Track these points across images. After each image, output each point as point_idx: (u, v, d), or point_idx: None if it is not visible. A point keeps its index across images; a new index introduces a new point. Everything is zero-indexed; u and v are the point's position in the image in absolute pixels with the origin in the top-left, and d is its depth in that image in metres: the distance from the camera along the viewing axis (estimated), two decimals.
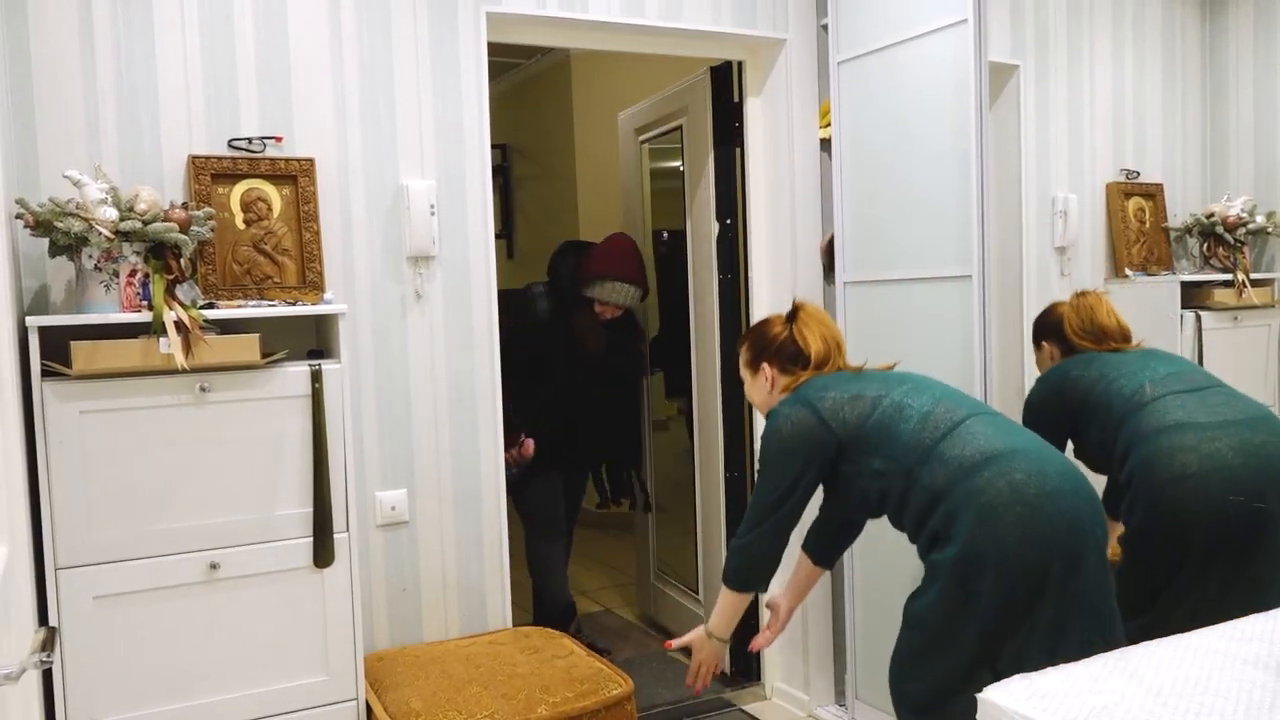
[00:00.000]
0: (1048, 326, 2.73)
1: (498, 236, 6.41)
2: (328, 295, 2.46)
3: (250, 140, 2.47)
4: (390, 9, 2.61)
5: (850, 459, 2.07)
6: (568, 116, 5.63)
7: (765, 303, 3.29)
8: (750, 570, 2.18)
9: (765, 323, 2.33)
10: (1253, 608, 1.68)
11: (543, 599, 3.70)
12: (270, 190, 2.47)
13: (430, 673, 2.43)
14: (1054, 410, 2.52)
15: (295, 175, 2.49)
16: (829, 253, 3.11)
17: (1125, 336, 2.60)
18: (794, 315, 2.29)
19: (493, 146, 6.46)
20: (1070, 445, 2.55)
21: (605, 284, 3.47)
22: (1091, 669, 1.29)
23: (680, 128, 3.71)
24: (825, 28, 3.09)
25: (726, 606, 2.25)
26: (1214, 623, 1.50)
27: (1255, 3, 3.72)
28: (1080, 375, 2.50)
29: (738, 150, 3.34)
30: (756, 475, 2.19)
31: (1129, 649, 1.36)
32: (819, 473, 2.10)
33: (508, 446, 3.04)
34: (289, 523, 2.28)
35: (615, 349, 3.64)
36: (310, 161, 2.50)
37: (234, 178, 2.45)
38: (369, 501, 2.64)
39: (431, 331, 2.70)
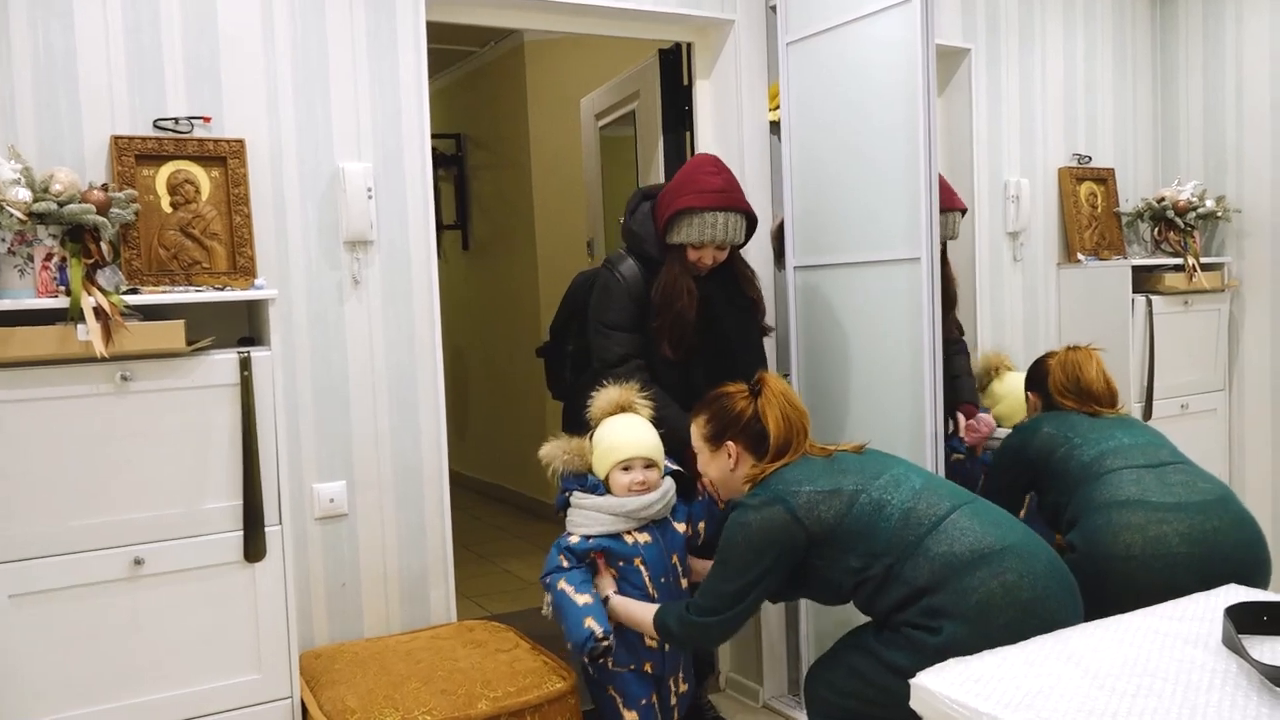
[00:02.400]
0: (1035, 377, 2.75)
1: (453, 227, 6.40)
2: (259, 281, 2.38)
3: (177, 120, 2.38)
4: None
5: (822, 555, 2.03)
6: (523, 105, 5.56)
7: None
8: (698, 643, 2.25)
9: (727, 396, 2.24)
10: None
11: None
12: (198, 172, 2.39)
13: (369, 669, 2.36)
14: (1017, 464, 2.57)
15: (225, 157, 2.41)
16: (779, 237, 3.06)
17: (1110, 399, 2.60)
18: (758, 390, 2.22)
19: (447, 136, 6.49)
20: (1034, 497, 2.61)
21: (694, 219, 2.55)
22: (1028, 652, 1.25)
23: (633, 113, 3.65)
24: (774, 9, 3.04)
25: (641, 623, 2.26)
26: None
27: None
28: (1048, 433, 2.51)
29: (688, 134, 3.29)
30: (716, 560, 2.12)
31: (1067, 630, 1.33)
32: (786, 568, 2.06)
33: None
34: (218, 516, 2.20)
35: (724, 305, 2.72)
36: (240, 143, 2.41)
37: (160, 159, 2.36)
38: (306, 494, 2.56)
39: (370, 319, 2.63)
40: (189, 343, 2.16)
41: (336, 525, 2.61)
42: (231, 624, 2.22)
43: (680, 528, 2.44)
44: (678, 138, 3.32)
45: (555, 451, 2.42)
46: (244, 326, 2.43)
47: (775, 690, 3.15)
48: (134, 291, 2.19)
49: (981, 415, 3.03)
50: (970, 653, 1.67)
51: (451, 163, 6.33)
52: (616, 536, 2.34)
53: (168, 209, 2.35)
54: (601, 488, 2.38)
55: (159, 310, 2.19)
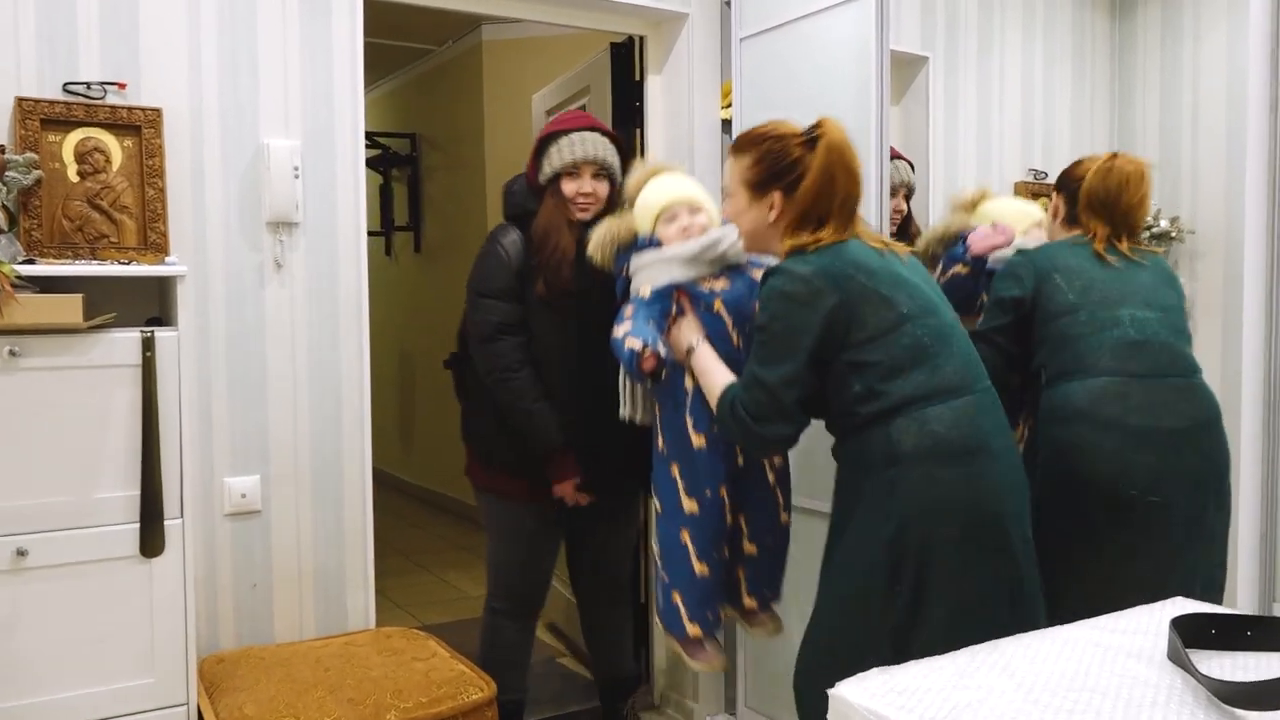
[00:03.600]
0: (1069, 179, 2.38)
1: (405, 228, 6.26)
2: (170, 258, 2.24)
3: (89, 85, 2.24)
4: None
5: (833, 364, 1.81)
6: (479, 105, 5.44)
7: None
8: (743, 442, 1.97)
9: (781, 138, 1.91)
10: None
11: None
12: (110, 141, 2.24)
13: (274, 676, 2.21)
14: (1014, 301, 2.23)
15: (139, 126, 2.26)
16: None
17: (1135, 227, 2.26)
18: (814, 139, 1.87)
19: (402, 136, 6.36)
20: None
21: (560, 141, 2.44)
22: (959, 662, 1.15)
23: (584, 108, 3.54)
24: (729, 3, 2.96)
25: (714, 386, 1.97)
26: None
27: (1163, 6, 3.70)
28: (1062, 287, 2.18)
29: (638, 131, 3.19)
30: (755, 343, 1.87)
31: (1003, 640, 1.23)
32: (820, 354, 1.80)
33: (558, 478, 2.45)
34: (112, 507, 2.05)
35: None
36: (157, 112, 2.28)
37: (68, 125, 2.21)
38: (216, 488, 2.41)
39: (293, 304, 2.49)
40: (88, 319, 2.02)
41: (248, 522, 2.46)
42: (124, 624, 2.07)
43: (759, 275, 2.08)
44: (628, 134, 3.21)
45: (603, 236, 2.22)
46: (155, 307, 2.29)
47: (711, 709, 3.03)
48: (30, 263, 2.04)
49: (1000, 224, 2.57)
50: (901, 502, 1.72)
51: (406, 163, 6.20)
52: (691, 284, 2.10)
53: (74, 178, 2.21)
54: (655, 241, 2.16)
55: (58, 284, 2.05)
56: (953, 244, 2.59)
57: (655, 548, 2.17)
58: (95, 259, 2.17)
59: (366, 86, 6.88)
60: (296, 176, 2.45)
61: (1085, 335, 2.13)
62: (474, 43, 5.46)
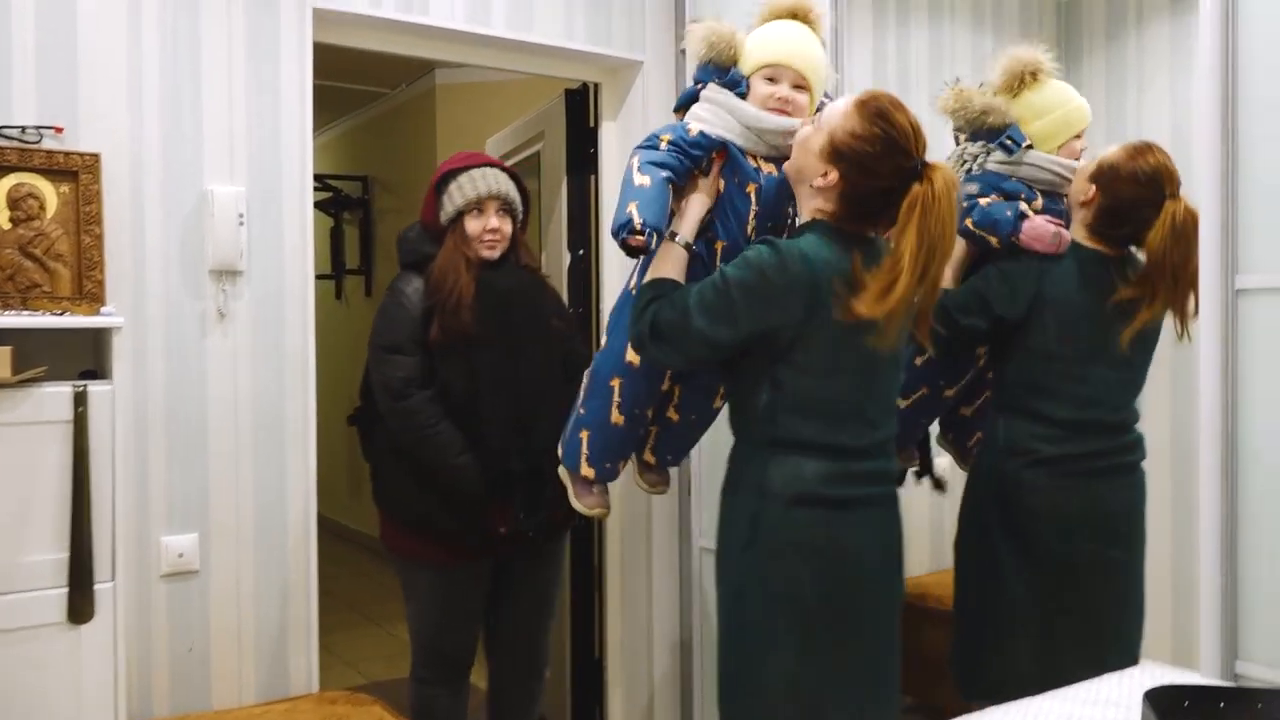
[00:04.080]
0: (1121, 183, 2.08)
1: (356, 271, 6.17)
2: (107, 308, 2.15)
3: (24, 129, 2.16)
4: None
5: (768, 361, 1.73)
6: (432, 148, 5.40)
7: None
8: (645, 342, 1.80)
9: (895, 146, 1.68)
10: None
11: None
12: (45, 187, 2.16)
13: None
14: (997, 318, 2.07)
15: (77, 171, 2.18)
16: None
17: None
18: (921, 171, 1.68)
19: (354, 178, 6.30)
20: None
21: (460, 178, 2.34)
22: None
23: (538, 154, 3.52)
24: (684, 52, 2.95)
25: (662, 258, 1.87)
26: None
27: (1107, 58, 3.77)
28: (1049, 327, 2.05)
29: (592, 177, 3.16)
30: (721, 272, 1.74)
31: (973, 715, 1.19)
32: (754, 342, 1.72)
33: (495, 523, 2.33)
34: (40, 571, 1.95)
35: (522, 308, 2.37)
36: (95, 157, 2.20)
37: (1, 170, 2.13)
38: (152, 547, 2.30)
39: (236, 355, 2.40)
40: (16, 373, 1.92)
41: (185, 583, 2.35)
42: (50, 693, 1.95)
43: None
44: (582, 181, 3.19)
45: (703, 32, 1.96)
46: (90, 359, 2.19)
47: None
48: None
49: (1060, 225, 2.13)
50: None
51: (357, 206, 6.13)
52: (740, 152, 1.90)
53: (6, 225, 2.11)
54: (744, 85, 1.92)
55: None
56: (990, 134, 2.15)
57: (584, 378, 2.09)
58: (26, 309, 2.08)
59: (318, 128, 6.83)
60: (241, 223, 2.38)
61: (1050, 385, 2.11)
62: (428, 86, 5.43)
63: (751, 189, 1.88)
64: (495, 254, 2.34)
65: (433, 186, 2.37)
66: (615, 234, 1.81)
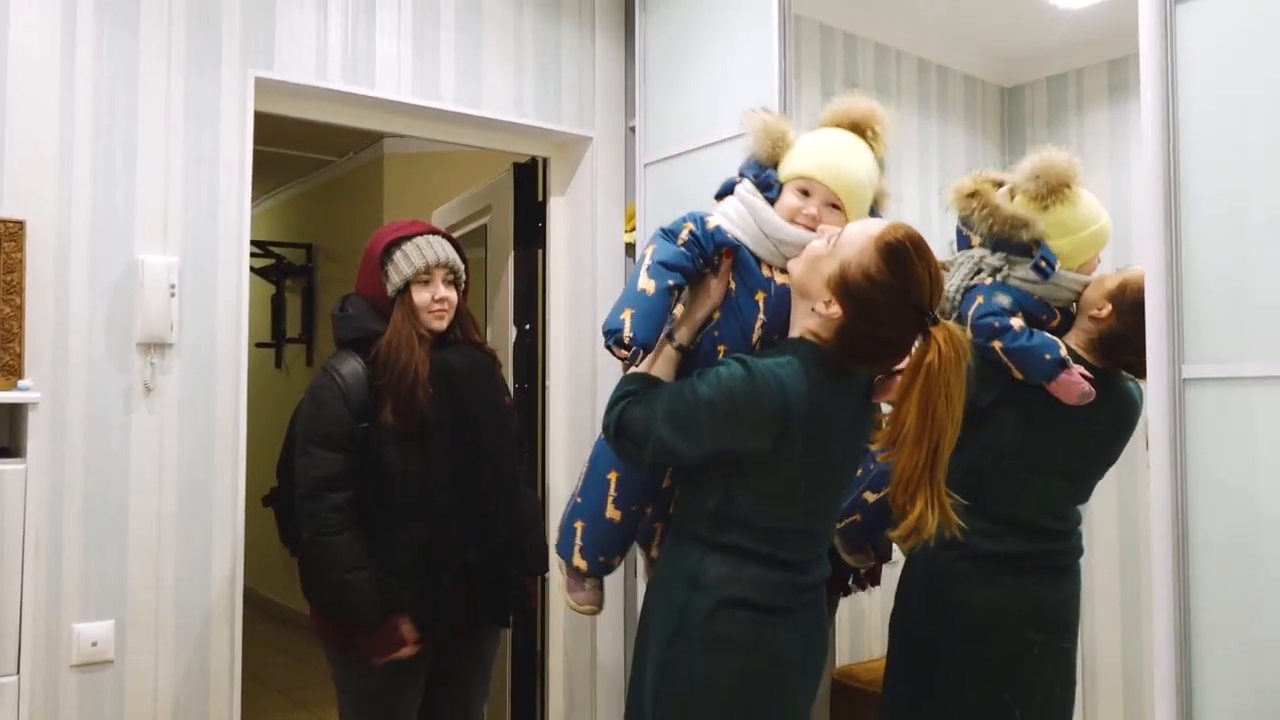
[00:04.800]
0: (1135, 307, 1.93)
1: (297, 340, 6.06)
2: (25, 381, 2.06)
3: None
4: (139, 60, 2.30)
5: (734, 476, 1.67)
6: (378, 218, 5.35)
7: (563, 417, 3.05)
8: (612, 438, 1.74)
9: (907, 300, 1.59)
10: None
11: None
12: None
13: None
14: (980, 382, 1.94)
15: None
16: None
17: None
18: (929, 330, 1.59)
19: (298, 246, 6.21)
20: None
21: (406, 246, 2.25)
22: None
23: (485, 227, 3.49)
24: (633, 129, 2.96)
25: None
26: None
27: (1049, 140, 3.86)
28: (1013, 424, 1.99)
29: (540, 251, 3.14)
30: (692, 380, 1.67)
31: None
32: (715, 459, 1.66)
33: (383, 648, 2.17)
34: None
35: (471, 374, 2.29)
36: (20, 224, 2.12)
37: None
38: (64, 637, 2.18)
39: (162, 431, 2.31)
40: None
41: (99, 674, 2.22)
42: None
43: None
44: (529, 255, 3.16)
45: (758, 124, 1.85)
46: (4, 435, 2.09)
47: None
48: None
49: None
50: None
51: (300, 273, 6.04)
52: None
53: None
54: (775, 191, 1.82)
55: None
56: (1016, 247, 2.01)
57: (582, 478, 1.96)
58: None
59: (262, 194, 6.77)
60: (173, 294, 2.30)
61: (995, 483, 2.04)
62: (376, 155, 5.40)
63: (760, 297, 1.78)
64: (444, 325, 2.26)
65: (376, 257, 2.27)
66: (604, 335, 1.71)
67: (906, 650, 2.14)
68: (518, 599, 2.34)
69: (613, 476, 1.87)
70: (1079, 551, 2.13)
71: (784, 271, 1.77)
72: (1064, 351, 1.95)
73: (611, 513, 1.87)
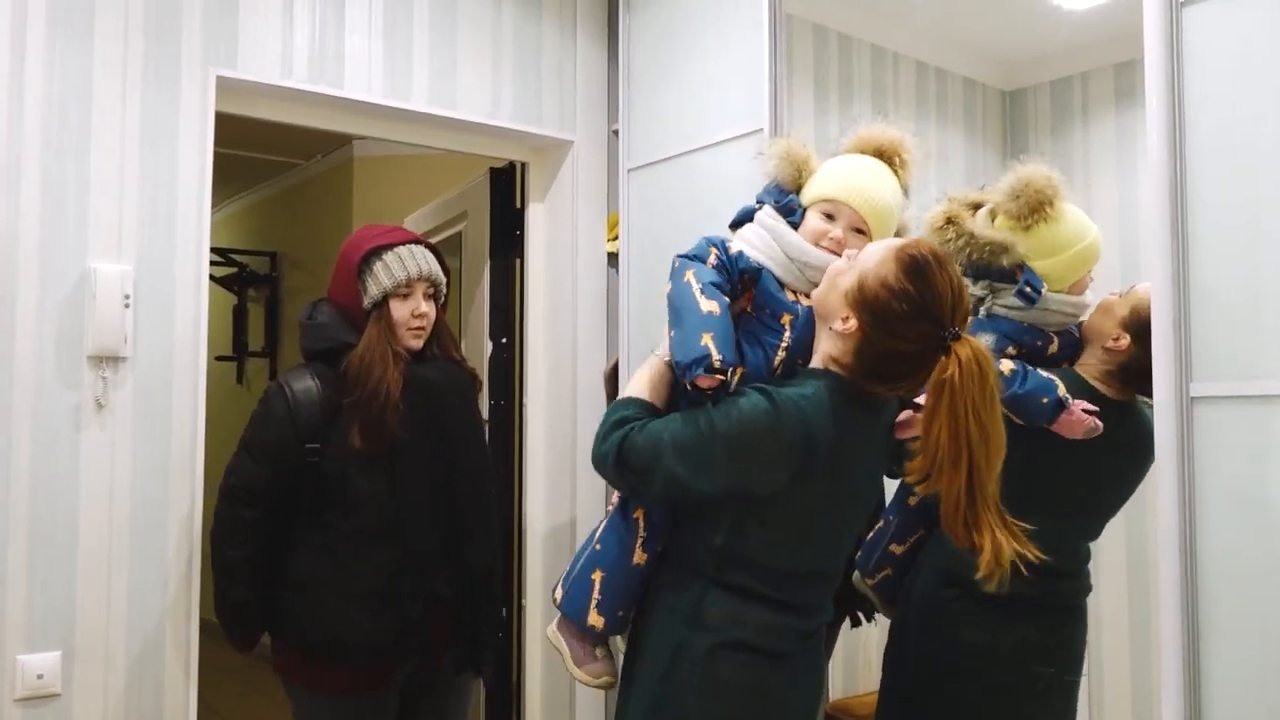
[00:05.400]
0: (1140, 315, 1.95)
1: (260, 354, 6.04)
2: None
3: None
4: (93, 54, 2.29)
5: (746, 515, 1.66)
6: (347, 224, 5.35)
7: (541, 434, 3.04)
8: (601, 466, 1.74)
9: (928, 312, 1.59)
10: None
11: None
12: None
13: None
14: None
15: None
16: (613, 380, 2.91)
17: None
18: (949, 345, 1.58)
19: (262, 254, 6.20)
20: None
21: (387, 256, 2.23)
22: None
23: (460, 234, 3.49)
24: (616, 132, 2.97)
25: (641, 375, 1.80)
26: None
27: (1052, 153, 3.89)
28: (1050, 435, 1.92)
29: (518, 261, 3.14)
30: (700, 409, 1.65)
31: None
32: (732, 498, 1.65)
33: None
34: None
35: (448, 391, 2.28)
36: None
37: None
38: (6, 669, 2.16)
39: (115, 450, 2.30)
40: None
41: (44, 708, 2.20)
42: None
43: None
44: (506, 264, 3.17)
45: (779, 150, 1.88)
46: None
47: None
48: None
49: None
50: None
51: (264, 283, 6.03)
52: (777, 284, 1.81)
53: None
54: (798, 215, 1.84)
55: None
56: (998, 274, 2.01)
57: (599, 527, 1.88)
58: None
59: (224, 199, 6.73)
60: (127, 305, 2.29)
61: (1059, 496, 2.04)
62: (345, 158, 5.40)
63: (786, 319, 1.78)
64: (420, 344, 2.25)
65: (353, 264, 2.22)
66: (684, 369, 1.63)
67: (902, 684, 2.14)
68: (489, 637, 2.31)
69: (640, 516, 1.80)
70: (1087, 590, 2.13)
71: (809, 296, 1.79)
72: (1062, 391, 1.91)
73: (639, 557, 1.80)
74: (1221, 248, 1.72)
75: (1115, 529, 2.88)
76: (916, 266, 1.60)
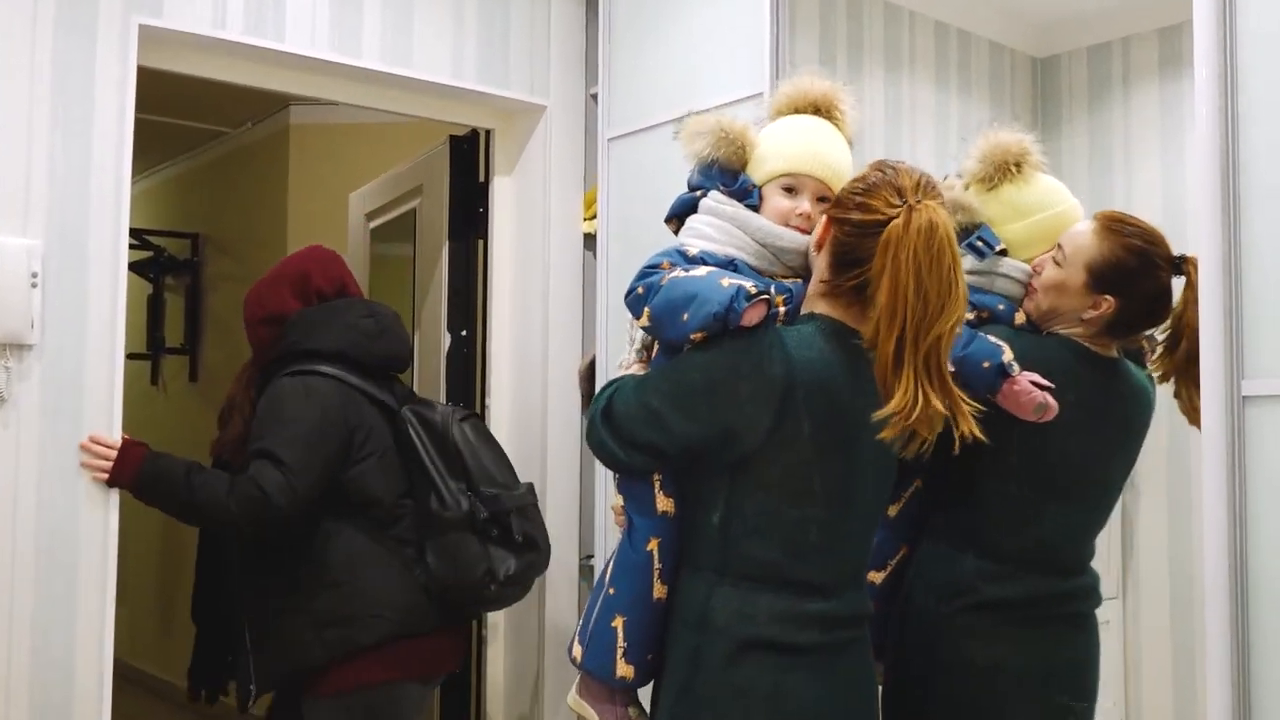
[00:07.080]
0: (1135, 287, 2.01)
1: (178, 351, 6.04)
2: None
3: None
4: None
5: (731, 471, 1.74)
6: (281, 203, 5.37)
7: (506, 440, 3.07)
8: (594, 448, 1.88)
9: (894, 168, 1.72)
10: None
11: None
12: None
13: None
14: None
15: None
16: (590, 379, 2.93)
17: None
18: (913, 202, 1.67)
19: (181, 235, 6.21)
20: None
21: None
22: None
23: (414, 212, 3.53)
24: (595, 96, 3.01)
25: None
26: None
27: (1089, 127, 3.96)
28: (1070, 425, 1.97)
29: (481, 242, 3.18)
30: (664, 383, 1.78)
31: None
32: (708, 451, 1.75)
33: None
34: None
35: None
36: None
37: None
38: None
39: (17, 450, 2.31)
40: None
41: None
42: None
43: None
44: (468, 246, 3.21)
45: (710, 126, 1.90)
46: None
47: None
48: None
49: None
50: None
51: (184, 269, 6.02)
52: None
53: None
54: (755, 196, 1.88)
55: None
56: (960, 235, 1.97)
57: (608, 570, 1.91)
58: None
59: (139, 173, 6.73)
60: (34, 285, 2.31)
61: (1011, 517, 2.09)
62: (280, 126, 5.41)
63: (780, 302, 1.82)
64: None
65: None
66: (726, 313, 1.67)
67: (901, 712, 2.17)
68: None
69: (653, 545, 1.83)
70: (1097, 601, 2.18)
71: (789, 277, 1.89)
72: (1008, 357, 1.92)
73: (659, 591, 1.83)
74: (1277, 232, 1.77)
75: (1156, 538, 2.96)
76: (875, 163, 1.78)
